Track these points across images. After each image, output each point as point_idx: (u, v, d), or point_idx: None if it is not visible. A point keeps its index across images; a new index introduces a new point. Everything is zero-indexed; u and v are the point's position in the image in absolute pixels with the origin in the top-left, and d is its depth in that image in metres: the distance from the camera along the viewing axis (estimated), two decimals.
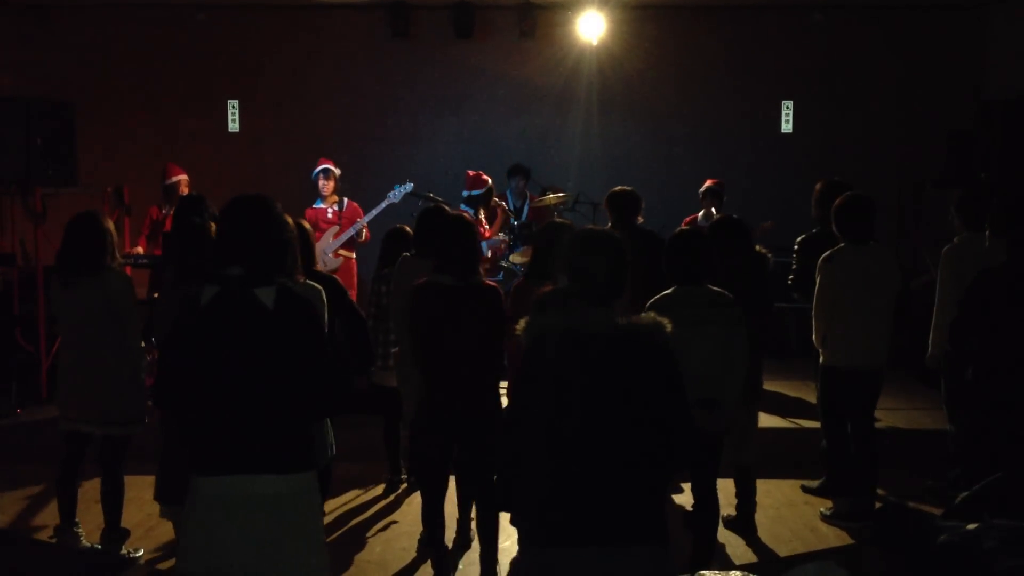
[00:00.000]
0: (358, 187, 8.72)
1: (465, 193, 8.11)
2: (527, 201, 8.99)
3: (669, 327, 2.75)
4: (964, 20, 10.02)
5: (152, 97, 10.17)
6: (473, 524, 4.90)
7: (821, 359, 5.56)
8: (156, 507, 4.67)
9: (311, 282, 4.54)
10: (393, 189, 8.08)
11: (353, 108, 10.23)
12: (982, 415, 4.65)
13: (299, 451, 3.02)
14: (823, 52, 10.15)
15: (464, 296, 4.41)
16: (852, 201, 5.44)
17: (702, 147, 10.17)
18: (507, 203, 8.82)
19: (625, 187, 6.36)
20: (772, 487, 6.05)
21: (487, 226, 8.27)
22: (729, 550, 5.16)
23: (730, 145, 10.14)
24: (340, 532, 5.49)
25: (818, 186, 6.27)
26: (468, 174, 8.16)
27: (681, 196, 9.11)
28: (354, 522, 5.68)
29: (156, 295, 5.62)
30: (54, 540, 5.08)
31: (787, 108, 10.34)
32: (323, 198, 8.20)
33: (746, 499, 5.40)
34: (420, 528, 4.97)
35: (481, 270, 4.67)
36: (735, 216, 5.33)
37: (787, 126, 10.36)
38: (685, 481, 5.33)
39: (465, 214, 5.35)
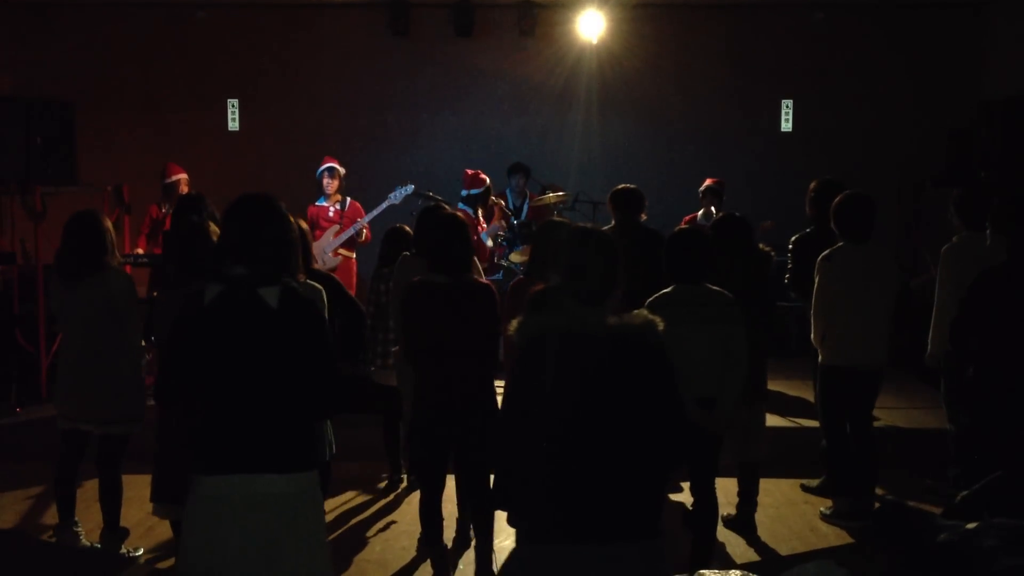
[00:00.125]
0: (357, 185, 8.72)
1: (463, 192, 8.11)
2: (527, 200, 8.99)
3: (661, 325, 2.74)
4: (964, 19, 10.02)
5: (152, 96, 10.17)
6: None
7: (820, 358, 5.56)
8: None
9: (311, 282, 4.54)
10: (394, 190, 8.08)
11: (353, 106, 10.23)
12: (982, 414, 4.65)
13: (302, 450, 3.02)
14: (823, 51, 10.15)
15: (457, 294, 4.42)
16: (851, 200, 5.43)
17: (702, 146, 10.18)
18: (507, 202, 8.82)
19: (628, 185, 6.36)
20: (772, 486, 6.04)
21: (485, 225, 8.27)
22: (729, 549, 5.16)
23: (730, 144, 10.14)
24: (340, 531, 5.48)
25: (813, 185, 6.27)
26: (466, 173, 8.16)
27: (681, 195, 9.11)
28: (354, 521, 5.68)
29: (155, 294, 5.62)
30: (53, 539, 5.08)
31: (787, 107, 10.34)
32: (327, 196, 8.20)
33: (748, 498, 5.40)
34: (420, 527, 4.97)
35: (480, 267, 4.66)
36: (738, 214, 5.31)
37: (787, 125, 10.37)
38: (685, 480, 5.32)
39: (461, 213, 5.35)
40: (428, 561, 4.82)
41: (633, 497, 2.67)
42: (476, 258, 4.96)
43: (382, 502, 6.00)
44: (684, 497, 5.56)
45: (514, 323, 2.79)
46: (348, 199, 8.29)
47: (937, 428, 6.25)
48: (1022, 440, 4.29)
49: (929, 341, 5.72)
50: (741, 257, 5.14)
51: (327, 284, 4.79)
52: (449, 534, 4.95)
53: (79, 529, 5.10)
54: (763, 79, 10.23)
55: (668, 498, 5.55)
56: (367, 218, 8.18)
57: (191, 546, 2.97)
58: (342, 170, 8.27)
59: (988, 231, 5.25)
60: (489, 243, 8.02)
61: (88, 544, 5.07)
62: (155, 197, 8.26)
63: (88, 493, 5.40)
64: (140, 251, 8.03)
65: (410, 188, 8.05)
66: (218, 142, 10.21)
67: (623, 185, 6.37)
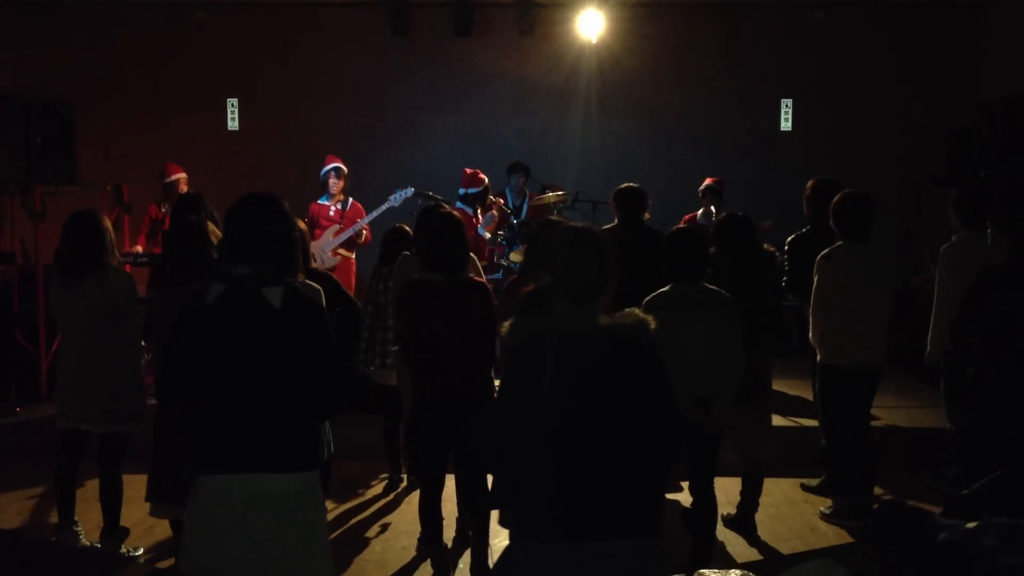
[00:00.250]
0: (357, 185, 8.72)
1: (461, 191, 8.11)
2: (526, 199, 8.99)
3: (653, 324, 2.74)
4: (964, 18, 10.03)
5: (151, 95, 10.17)
6: None
7: (819, 357, 5.56)
8: None
9: (310, 282, 4.55)
10: (394, 192, 8.08)
11: (352, 106, 10.23)
12: (982, 413, 4.65)
13: (303, 450, 3.02)
14: (823, 50, 10.16)
15: (452, 292, 4.42)
16: (851, 199, 5.43)
17: (701, 145, 10.18)
18: (506, 201, 8.82)
19: (631, 184, 6.36)
20: (772, 485, 6.04)
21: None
22: (729, 548, 5.16)
23: (730, 143, 10.15)
24: (340, 531, 5.48)
25: (810, 184, 6.28)
26: (465, 172, 8.16)
27: (680, 194, 9.12)
28: (354, 521, 5.68)
29: (154, 293, 5.62)
30: (53, 539, 5.08)
31: (787, 106, 10.35)
32: (330, 196, 8.21)
33: (749, 498, 5.39)
34: (420, 527, 4.97)
35: (480, 265, 4.66)
36: (741, 214, 5.28)
37: (786, 124, 10.38)
38: (685, 480, 5.32)
39: (458, 212, 5.36)
40: (428, 561, 4.83)
41: (627, 495, 2.68)
42: (475, 256, 4.97)
43: (382, 502, 6.00)
44: (684, 497, 5.56)
45: (506, 324, 2.79)
46: (350, 199, 8.30)
47: (937, 428, 6.25)
48: (1022, 440, 4.29)
49: (928, 340, 5.72)
50: (745, 257, 5.12)
51: (325, 283, 4.80)
52: (449, 534, 4.95)
53: (79, 529, 5.10)
54: (763, 79, 10.24)
55: (667, 498, 5.55)
56: (366, 220, 8.18)
57: (192, 545, 2.97)
58: (346, 170, 8.29)
59: (989, 230, 5.25)
60: (487, 235, 8.01)
61: (88, 544, 5.07)
62: (155, 197, 8.26)
63: (88, 493, 5.40)
64: (140, 250, 8.03)
65: (410, 191, 8.05)
66: (218, 142, 10.22)
67: (626, 184, 6.37)
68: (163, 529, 5.09)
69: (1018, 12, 9.34)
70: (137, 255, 7.81)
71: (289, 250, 3.09)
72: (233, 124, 10.40)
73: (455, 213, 4.80)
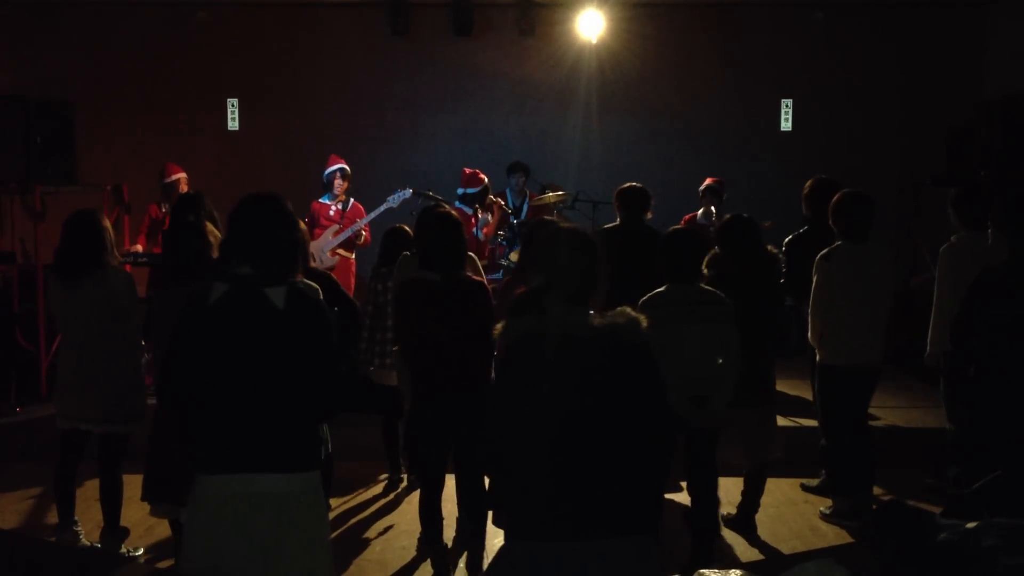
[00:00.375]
0: (357, 185, 8.71)
1: (460, 191, 8.10)
2: (527, 199, 8.99)
3: (645, 322, 2.74)
4: (964, 17, 10.02)
5: (151, 95, 10.17)
6: None
7: (818, 357, 5.56)
8: None
9: (308, 281, 4.54)
10: (393, 193, 8.08)
11: (352, 106, 10.23)
12: (982, 413, 4.65)
13: (304, 450, 3.02)
14: (823, 50, 10.16)
15: (450, 292, 4.43)
16: (850, 199, 5.43)
17: (701, 145, 10.18)
18: (507, 201, 8.81)
19: (634, 183, 6.36)
20: (772, 486, 6.02)
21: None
22: (729, 549, 5.16)
23: (729, 143, 10.15)
24: (340, 531, 5.48)
25: (808, 184, 6.28)
26: (464, 172, 8.16)
27: (680, 194, 9.10)
28: (354, 521, 5.68)
29: (153, 293, 5.61)
30: (53, 539, 5.08)
31: (787, 106, 10.35)
32: (333, 196, 8.21)
33: (750, 498, 5.39)
34: (420, 527, 4.97)
35: (479, 264, 4.66)
36: (745, 215, 5.27)
37: (786, 124, 10.37)
38: (684, 479, 5.32)
39: (456, 211, 5.36)
40: (428, 561, 4.83)
41: (622, 494, 2.68)
42: (475, 256, 4.96)
43: (382, 502, 6.00)
44: (684, 497, 5.56)
45: (498, 325, 2.79)
46: (351, 200, 8.31)
47: (937, 428, 6.24)
48: (1022, 440, 4.29)
49: (928, 340, 5.72)
50: (749, 259, 5.11)
51: (323, 283, 4.79)
52: (449, 533, 4.95)
53: (79, 529, 5.10)
54: (763, 79, 10.24)
55: (667, 498, 5.54)
56: (364, 220, 8.18)
57: (193, 545, 2.97)
58: (350, 171, 8.30)
59: (990, 230, 5.25)
60: (482, 236, 8.01)
61: (88, 544, 5.07)
62: (155, 197, 8.26)
63: (88, 493, 5.40)
64: (140, 250, 8.03)
65: (408, 192, 8.06)
66: (218, 142, 10.21)
67: (629, 184, 6.37)
68: (163, 529, 5.08)
69: (1018, 12, 9.34)
70: (137, 255, 7.81)
71: (292, 250, 3.09)
72: (233, 124, 10.40)
73: (454, 213, 4.80)
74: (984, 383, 4.58)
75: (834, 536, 5.34)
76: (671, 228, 4.92)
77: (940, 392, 5.81)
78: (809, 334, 5.59)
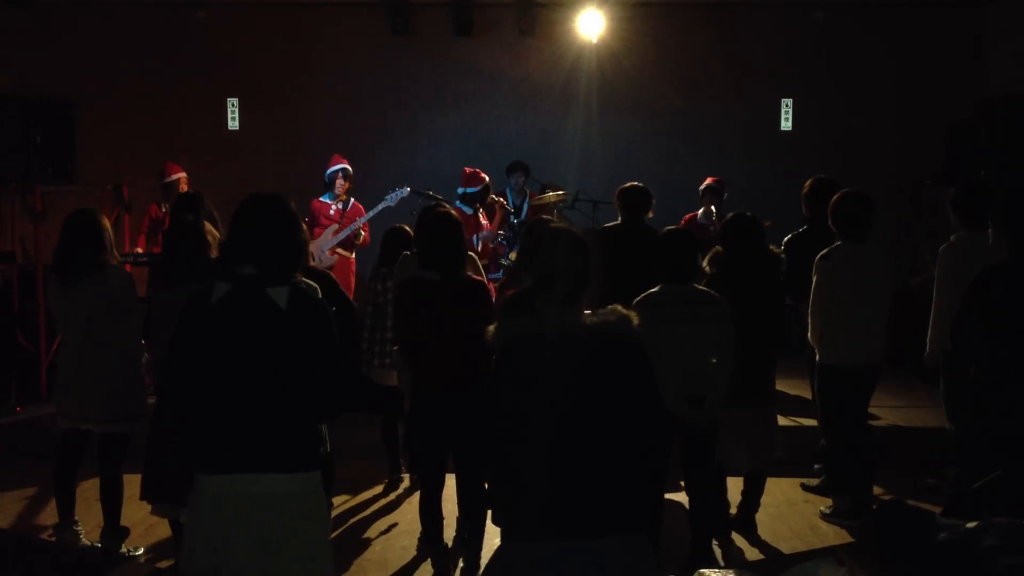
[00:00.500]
0: (357, 184, 8.71)
1: (460, 190, 8.10)
2: (527, 199, 8.99)
3: (636, 320, 2.75)
4: (963, 16, 10.02)
5: (152, 95, 10.17)
6: None
7: (818, 357, 5.56)
8: None
9: (307, 280, 4.54)
10: (391, 192, 8.08)
11: (352, 106, 10.23)
12: (982, 413, 4.65)
13: (305, 450, 3.02)
14: (823, 49, 10.15)
15: (449, 292, 4.43)
16: (849, 199, 5.43)
17: (701, 145, 10.18)
18: (507, 201, 8.81)
19: (636, 183, 6.36)
20: (772, 486, 6.03)
21: (489, 223, 8.27)
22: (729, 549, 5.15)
23: (730, 143, 10.15)
24: (340, 531, 5.48)
25: (808, 184, 6.28)
26: (464, 171, 8.16)
27: (681, 194, 9.10)
28: (354, 521, 5.68)
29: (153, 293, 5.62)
30: (53, 539, 5.08)
31: (787, 106, 10.34)
32: (334, 195, 8.22)
33: (750, 498, 5.38)
34: (420, 527, 4.97)
35: (480, 264, 4.65)
36: (748, 214, 5.24)
37: (787, 124, 10.37)
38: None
39: (456, 211, 5.36)
40: (428, 560, 4.83)
41: (616, 492, 2.69)
42: (476, 256, 4.96)
43: (382, 502, 6.00)
44: (683, 497, 5.56)
45: (491, 327, 2.79)
46: (351, 200, 8.31)
47: (937, 427, 6.24)
48: (1022, 440, 4.29)
49: (928, 340, 5.72)
50: (751, 258, 5.11)
51: (322, 281, 4.79)
52: (449, 533, 4.95)
53: (79, 528, 5.10)
54: (763, 78, 10.23)
55: (667, 498, 5.54)
56: (362, 220, 8.18)
57: (194, 545, 2.97)
58: (352, 171, 8.30)
59: (990, 230, 5.24)
60: (480, 247, 8.02)
61: (88, 543, 5.07)
62: (155, 196, 8.26)
63: (88, 492, 5.40)
64: (140, 250, 8.03)
65: (406, 191, 8.06)
66: (218, 141, 10.21)
67: (631, 183, 6.36)
68: (163, 529, 5.09)
69: (1018, 12, 9.33)
70: (137, 255, 7.81)
71: (295, 251, 3.09)
72: (233, 124, 10.39)
73: (453, 212, 4.80)
74: (984, 383, 4.58)
75: (834, 536, 5.34)
76: (666, 228, 4.93)
77: (940, 392, 5.81)
78: (809, 334, 5.59)
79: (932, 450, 6.12)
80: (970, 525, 2.80)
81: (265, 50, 10.22)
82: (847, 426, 5.50)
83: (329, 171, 8.24)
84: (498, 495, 2.81)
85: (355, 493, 6.12)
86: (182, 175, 8.16)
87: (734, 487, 5.51)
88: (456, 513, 5.11)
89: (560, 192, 8.64)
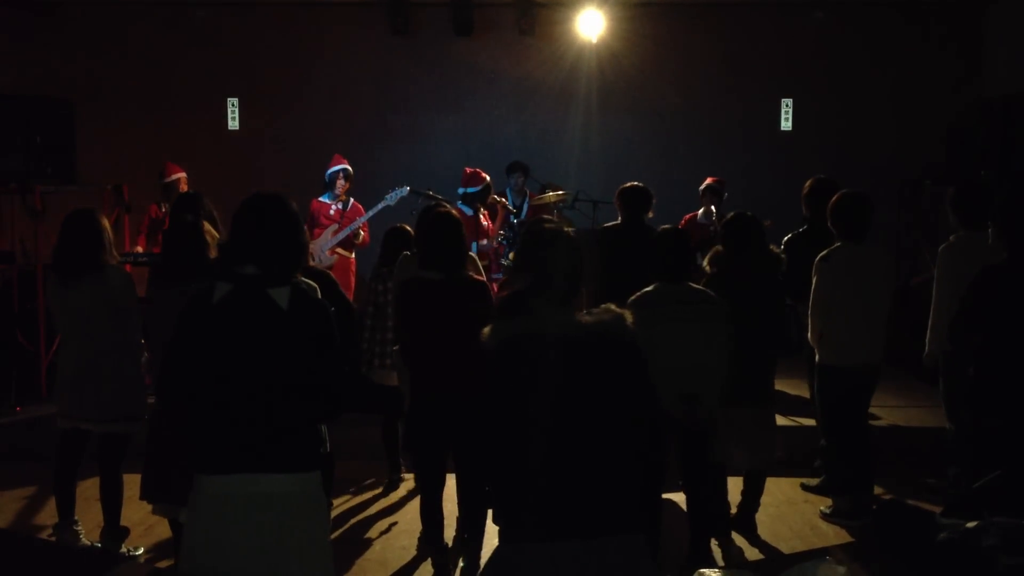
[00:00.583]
0: (357, 184, 8.72)
1: (461, 190, 8.10)
2: (527, 199, 8.99)
3: (630, 319, 2.75)
4: (963, 16, 10.02)
5: (151, 95, 10.17)
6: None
7: (818, 358, 5.56)
8: None
9: (306, 280, 4.54)
10: (391, 191, 8.08)
11: (352, 105, 10.23)
12: (982, 413, 4.65)
13: (306, 450, 3.02)
14: (823, 49, 10.16)
15: (450, 291, 4.42)
16: (849, 199, 5.43)
17: (701, 145, 10.18)
18: (507, 201, 8.82)
19: (636, 183, 6.36)
20: (772, 485, 6.03)
21: (490, 223, 8.27)
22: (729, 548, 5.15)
23: (730, 143, 10.15)
24: (340, 531, 5.48)
25: (807, 184, 6.28)
26: (465, 171, 8.16)
27: (681, 194, 9.10)
28: (354, 521, 5.68)
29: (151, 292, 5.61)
30: (53, 538, 5.08)
31: (787, 106, 10.35)
32: (334, 195, 8.22)
33: (750, 498, 5.39)
34: (420, 526, 4.97)
35: (479, 263, 4.65)
36: (749, 214, 5.21)
37: (787, 124, 10.38)
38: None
39: (457, 211, 5.36)
40: (428, 560, 4.83)
41: (612, 492, 2.69)
42: (476, 256, 4.96)
43: (382, 502, 6.00)
44: (682, 497, 5.56)
45: (485, 328, 2.80)
46: (351, 200, 8.32)
47: (937, 427, 6.24)
48: (1022, 440, 4.29)
49: (927, 340, 5.72)
50: (751, 258, 5.11)
51: (321, 281, 4.79)
52: (449, 533, 4.95)
53: (79, 528, 5.10)
54: (763, 78, 10.24)
55: (666, 498, 5.55)
56: (362, 219, 8.18)
57: (193, 545, 2.97)
58: (352, 171, 8.30)
59: (990, 229, 5.24)
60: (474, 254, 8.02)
61: (88, 543, 5.07)
62: (155, 197, 8.26)
63: (88, 492, 5.40)
64: (140, 250, 8.03)
65: (405, 190, 8.06)
66: (218, 141, 10.21)
67: (631, 183, 6.36)
68: (163, 529, 5.09)
69: (1018, 12, 9.34)
70: (137, 255, 7.81)
71: (296, 251, 3.09)
72: (233, 124, 10.39)
73: (453, 212, 4.80)
74: (984, 383, 4.58)
75: (834, 536, 5.34)
76: (661, 227, 4.93)
77: (940, 392, 5.82)
78: (809, 334, 5.59)
79: (932, 450, 6.12)
80: (970, 525, 2.81)
81: (265, 50, 10.22)
82: (847, 426, 5.50)
83: (329, 171, 8.25)
84: (494, 495, 2.80)
85: (355, 493, 6.12)
86: (182, 175, 8.16)
87: (734, 487, 5.51)
88: (456, 513, 5.11)
89: (560, 192, 8.64)
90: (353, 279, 8.42)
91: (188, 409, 3.03)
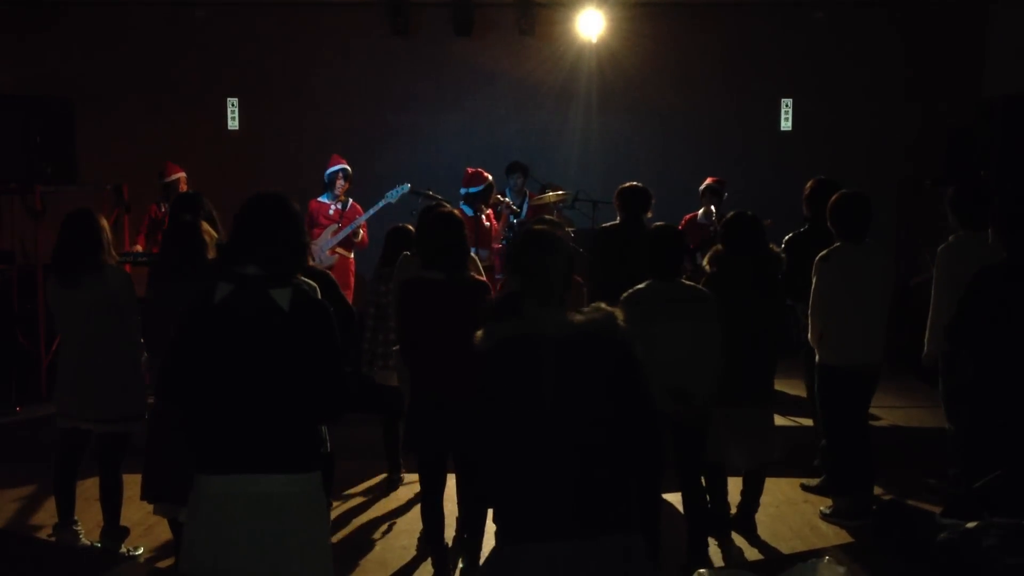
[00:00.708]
0: (357, 184, 8.72)
1: (463, 191, 8.10)
2: (526, 199, 8.99)
3: (622, 316, 2.75)
4: (964, 16, 10.01)
5: (151, 95, 10.16)
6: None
7: (818, 358, 5.56)
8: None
9: (306, 279, 4.54)
10: (391, 190, 8.08)
11: (353, 105, 10.23)
12: (982, 413, 4.65)
13: (306, 451, 3.02)
14: (823, 49, 10.16)
15: (451, 291, 4.42)
16: (848, 199, 5.43)
17: (701, 145, 10.18)
18: (508, 201, 8.82)
19: (635, 183, 6.36)
20: (772, 485, 6.03)
21: (495, 223, 8.27)
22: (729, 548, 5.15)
23: (729, 143, 10.15)
24: (340, 531, 5.48)
25: (809, 185, 6.29)
26: (467, 171, 8.16)
27: (680, 194, 9.10)
28: (354, 521, 5.68)
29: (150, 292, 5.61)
30: (53, 538, 5.08)
31: (787, 106, 10.35)
32: (333, 196, 8.22)
33: (750, 498, 5.39)
34: (420, 526, 4.97)
35: (480, 265, 4.64)
36: (749, 213, 5.21)
37: (787, 124, 10.37)
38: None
39: (458, 211, 5.36)
40: (428, 560, 4.83)
41: (609, 491, 2.69)
42: (476, 257, 4.95)
43: (382, 501, 6.00)
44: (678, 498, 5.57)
45: (479, 332, 2.80)
46: (350, 200, 8.32)
47: (937, 427, 6.24)
48: (1022, 440, 4.29)
49: (926, 340, 5.72)
50: (751, 258, 5.10)
51: (321, 281, 4.78)
52: (449, 533, 4.95)
53: (79, 528, 5.10)
54: (763, 78, 10.24)
55: (665, 498, 5.55)
56: (362, 218, 8.18)
57: (193, 545, 2.97)
58: (351, 172, 8.30)
59: (990, 230, 5.24)
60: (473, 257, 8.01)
61: (88, 543, 5.07)
62: (155, 197, 8.26)
63: (88, 492, 5.40)
64: (139, 250, 8.03)
65: (406, 187, 8.06)
66: (218, 142, 10.21)
67: (630, 183, 6.36)
68: (163, 529, 5.09)
69: (1018, 11, 9.33)
70: (136, 255, 7.81)
71: (298, 251, 3.09)
72: (233, 124, 10.39)
73: (455, 212, 4.80)
74: (984, 383, 4.58)
75: (834, 536, 5.34)
76: (653, 225, 4.93)
77: (940, 392, 5.82)
78: (808, 334, 5.59)
79: (932, 450, 6.12)
80: (970, 525, 2.81)
81: (265, 50, 10.22)
82: (847, 426, 5.50)
83: (329, 171, 8.25)
84: (494, 496, 2.81)
85: (355, 493, 6.12)
86: (182, 175, 8.17)
87: (734, 487, 5.51)
88: (456, 513, 5.12)
89: (560, 192, 8.64)
90: (353, 279, 8.42)
91: (188, 409, 3.03)
